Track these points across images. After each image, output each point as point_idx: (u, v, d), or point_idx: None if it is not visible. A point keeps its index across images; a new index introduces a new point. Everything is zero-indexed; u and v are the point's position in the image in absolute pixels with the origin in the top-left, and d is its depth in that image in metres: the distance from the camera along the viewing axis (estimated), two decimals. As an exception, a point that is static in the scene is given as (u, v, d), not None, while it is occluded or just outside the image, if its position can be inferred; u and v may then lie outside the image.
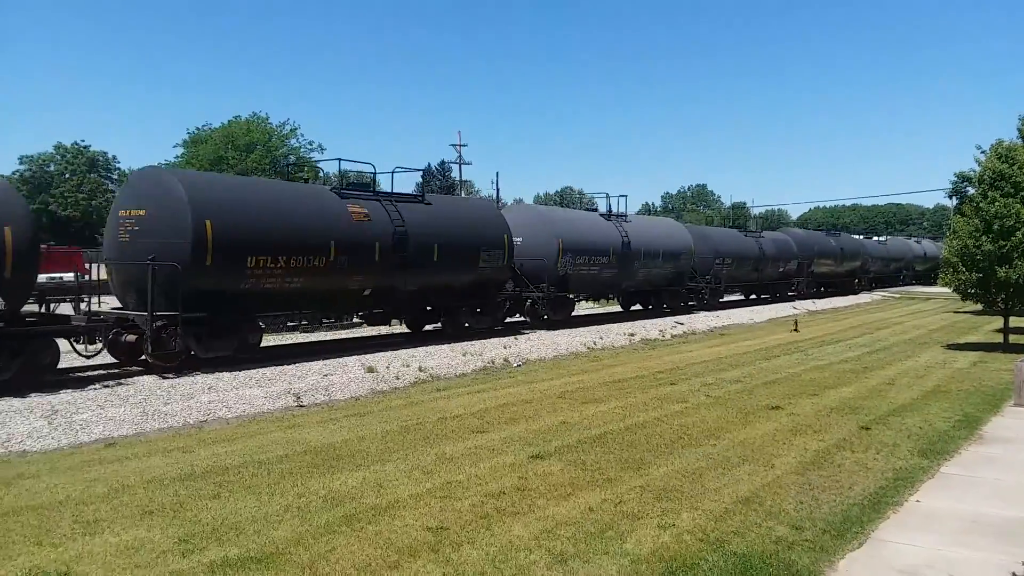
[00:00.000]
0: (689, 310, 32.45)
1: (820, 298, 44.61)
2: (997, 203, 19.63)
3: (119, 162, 69.48)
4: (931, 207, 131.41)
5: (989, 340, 22.78)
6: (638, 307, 32.22)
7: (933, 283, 66.43)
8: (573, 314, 27.35)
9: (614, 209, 29.64)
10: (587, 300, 33.23)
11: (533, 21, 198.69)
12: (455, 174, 67.44)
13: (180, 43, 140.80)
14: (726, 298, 38.90)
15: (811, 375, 16.06)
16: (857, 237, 59.63)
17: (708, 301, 34.35)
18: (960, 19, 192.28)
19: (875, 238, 63.83)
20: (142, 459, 9.37)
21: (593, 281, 27.25)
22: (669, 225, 34.78)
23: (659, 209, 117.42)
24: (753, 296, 42.95)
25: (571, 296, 27.19)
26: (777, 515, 7.19)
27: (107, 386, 13.33)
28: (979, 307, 23.23)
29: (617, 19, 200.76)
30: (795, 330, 26.28)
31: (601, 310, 33.68)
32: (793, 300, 41.62)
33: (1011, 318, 21.53)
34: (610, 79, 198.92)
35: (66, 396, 12.40)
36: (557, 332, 23.31)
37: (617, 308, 33.30)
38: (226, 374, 14.58)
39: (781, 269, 42.09)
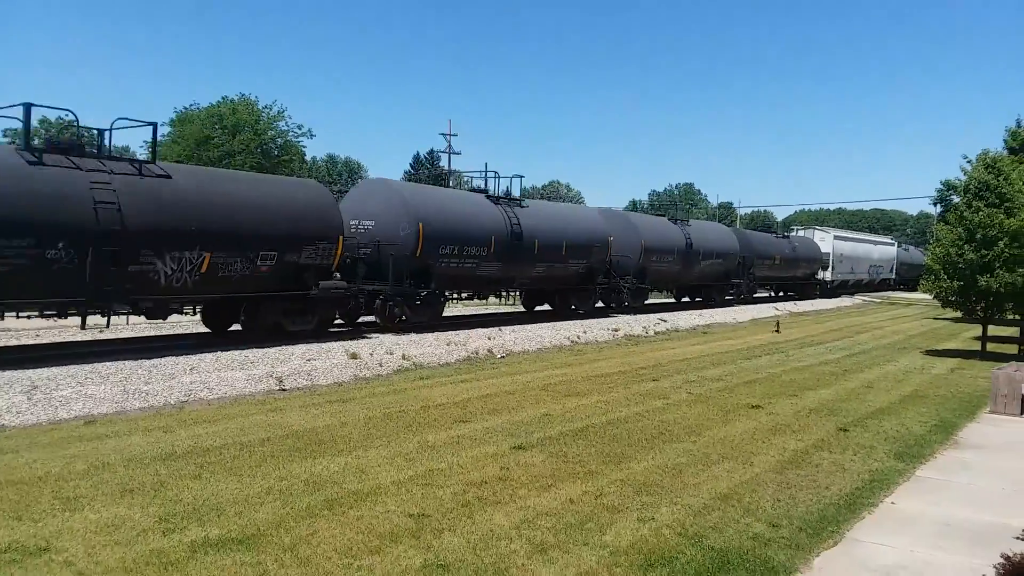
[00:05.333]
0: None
1: (646, 312, 30.34)
2: (981, 213, 19.86)
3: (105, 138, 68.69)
4: (915, 214, 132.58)
5: (967, 347, 23.05)
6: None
7: (833, 295, 49.58)
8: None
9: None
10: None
11: (525, 16, 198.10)
12: (443, 163, 67.39)
13: (171, 22, 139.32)
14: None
15: (791, 376, 16.21)
16: (751, 232, 46.07)
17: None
18: (950, 30, 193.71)
19: (791, 233, 50.94)
20: (122, 437, 9.33)
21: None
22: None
23: (647, 207, 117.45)
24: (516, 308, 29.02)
25: None
26: (755, 512, 7.27)
27: (88, 363, 13.23)
28: (959, 314, 23.49)
29: (609, 17, 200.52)
30: (776, 331, 26.47)
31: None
32: (612, 317, 27.86)
33: (989, 326, 21.80)
34: (600, 76, 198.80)
35: (45, 372, 12.30)
36: (542, 324, 23.36)
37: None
38: (208, 355, 14.51)
39: (572, 266, 26.03)
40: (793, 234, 51.56)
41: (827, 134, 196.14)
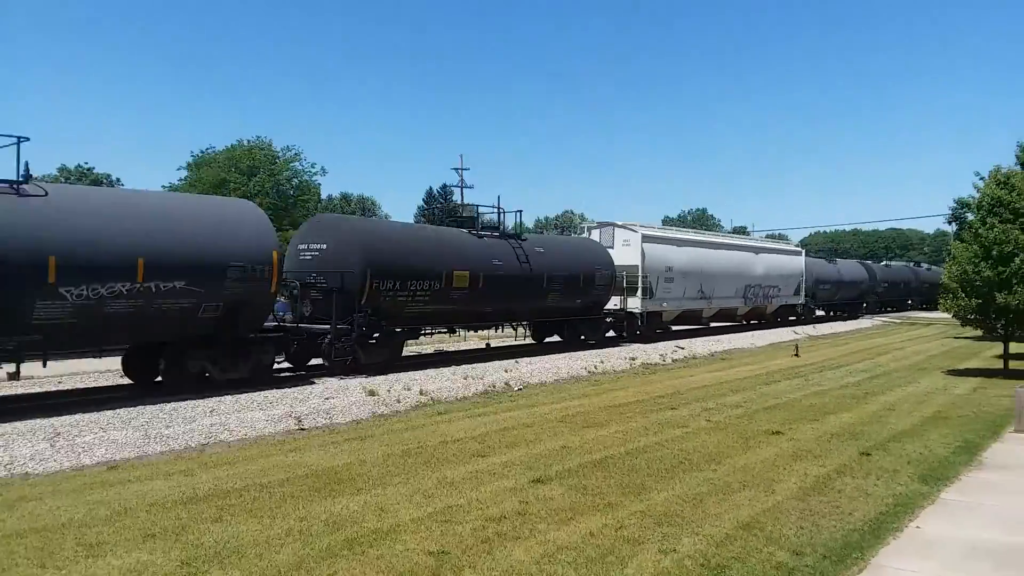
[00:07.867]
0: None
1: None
2: (996, 229, 19.75)
3: (123, 184, 69.81)
4: (931, 232, 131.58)
5: (989, 366, 22.80)
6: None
7: (648, 339, 28.11)
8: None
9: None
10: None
11: (535, 45, 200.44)
12: (456, 197, 67.94)
13: (186, 67, 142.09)
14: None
15: (811, 400, 16.08)
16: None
17: None
18: (960, 48, 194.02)
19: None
20: (144, 482, 9.40)
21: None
22: None
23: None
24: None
25: None
26: (778, 540, 7.21)
27: (110, 408, 13.34)
28: (979, 333, 23.27)
29: (619, 44, 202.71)
30: (796, 355, 26.31)
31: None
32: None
33: (1011, 344, 21.57)
34: (612, 103, 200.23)
35: (68, 418, 12.43)
36: (558, 356, 23.37)
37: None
38: (228, 397, 14.62)
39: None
40: (582, 235, 32.13)
41: (841, 154, 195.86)
